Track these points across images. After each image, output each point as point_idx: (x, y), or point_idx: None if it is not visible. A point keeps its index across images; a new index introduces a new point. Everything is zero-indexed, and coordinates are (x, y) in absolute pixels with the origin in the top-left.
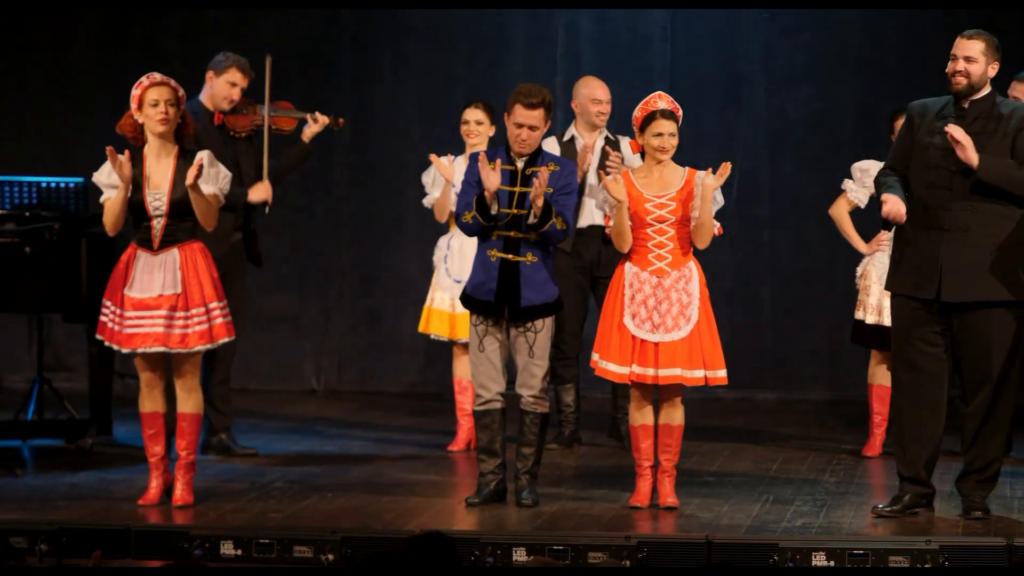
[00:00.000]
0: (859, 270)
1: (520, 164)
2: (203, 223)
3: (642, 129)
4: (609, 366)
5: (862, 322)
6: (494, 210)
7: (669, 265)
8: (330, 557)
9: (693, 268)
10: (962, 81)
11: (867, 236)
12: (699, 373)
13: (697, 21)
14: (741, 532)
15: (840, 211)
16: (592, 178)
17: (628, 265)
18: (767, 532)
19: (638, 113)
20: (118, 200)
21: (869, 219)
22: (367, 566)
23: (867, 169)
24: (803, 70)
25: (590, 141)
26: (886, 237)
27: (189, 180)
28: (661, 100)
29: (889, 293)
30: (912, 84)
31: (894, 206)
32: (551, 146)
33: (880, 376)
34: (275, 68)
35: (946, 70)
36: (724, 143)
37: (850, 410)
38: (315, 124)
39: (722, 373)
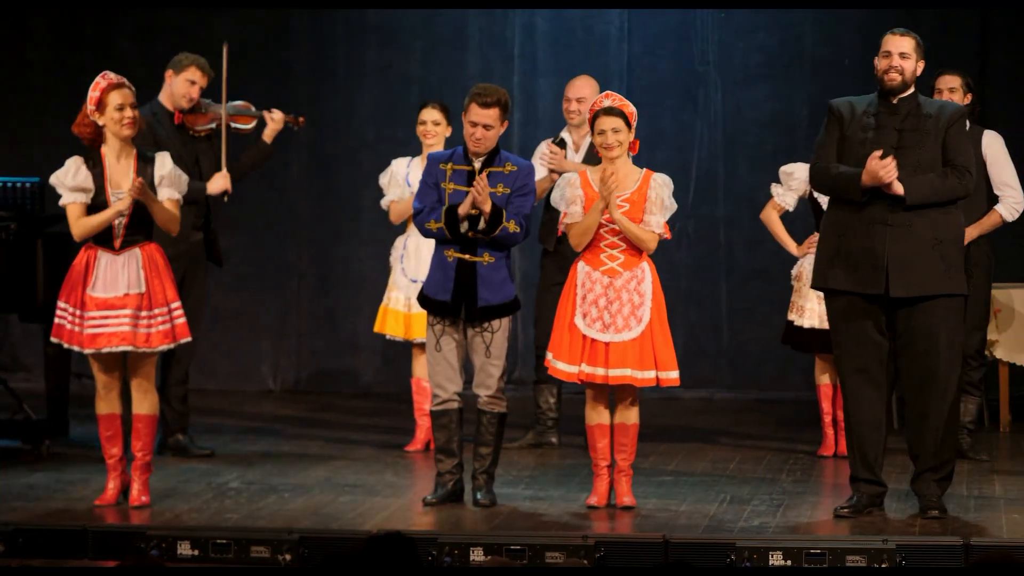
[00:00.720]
0: (793, 272)
1: (477, 165)
2: (167, 229)
3: (592, 129)
4: (560, 365)
5: (796, 324)
6: (463, 228)
7: (621, 265)
8: (287, 557)
9: (646, 268)
10: (896, 78)
11: (799, 238)
12: (650, 374)
13: (653, 21)
14: (698, 532)
15: (769, 216)
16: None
17: (581, 264)
18: (724, 532)
19: (587, 114)
20: (103, 220)
21: (801, 221)
22: (326, 566)
23: (791, 172)
24: (758, 70)
25: (577, 139)
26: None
27: (135, 195)
28: (607, 99)
29: (823, 296)
30: (867, 84)
31: (880, 165)
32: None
33: (826, 376)
34: (230, 69)
35: (879, 68)
36: (680, 143)
37: (807, 409)
38: (274, 122)
39: (674, 374)
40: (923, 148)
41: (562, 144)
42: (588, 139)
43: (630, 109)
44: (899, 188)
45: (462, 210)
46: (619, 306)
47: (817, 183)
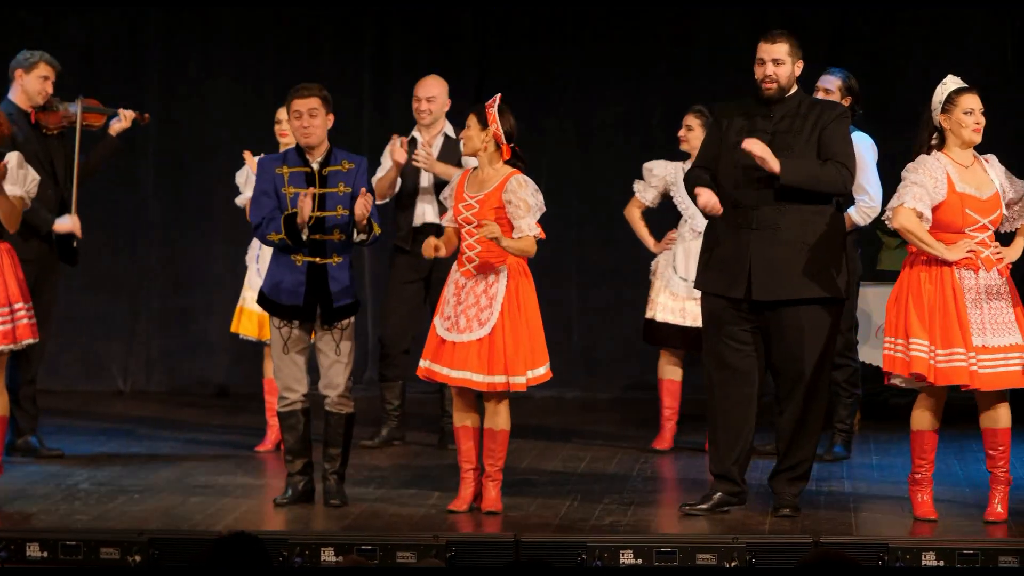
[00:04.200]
0: (652, 268)
1: (316, 165)
2: (6, 224)
3: None
4: (421, 361)
5: (651, 320)
6: (305, 236)
7: (476, 267)
8: (137, 559)
9: (503, 272)
10: (772, 86)
11: (659, 235)
12: (497, 379)
13: (509, 19)
14: (549, 531)
15: (631, 212)
16: (424, 180)
17: (455, 263)
18: (575, 531)
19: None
20: None
21: (660, 219)
22: (179, 569)
23: (651, 169)
24: (612, 67)
25: (428, 139)
26: (675, 235)
27: None
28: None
29: (671, 292)
30: (721, 83)
31: (709, 198)
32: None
33: (669, 371)
34: (83, 67)
35: (755, 76)
36: (533, 140)
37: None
38: (123, 120)
39: (521, 380)
40: (793, 149)
41: (413, 143)
42: (440, 138)
43: (492, 110)
44: (775, 166)
45: (300, 220)
46: (465, 307)
47: (685, 187)
